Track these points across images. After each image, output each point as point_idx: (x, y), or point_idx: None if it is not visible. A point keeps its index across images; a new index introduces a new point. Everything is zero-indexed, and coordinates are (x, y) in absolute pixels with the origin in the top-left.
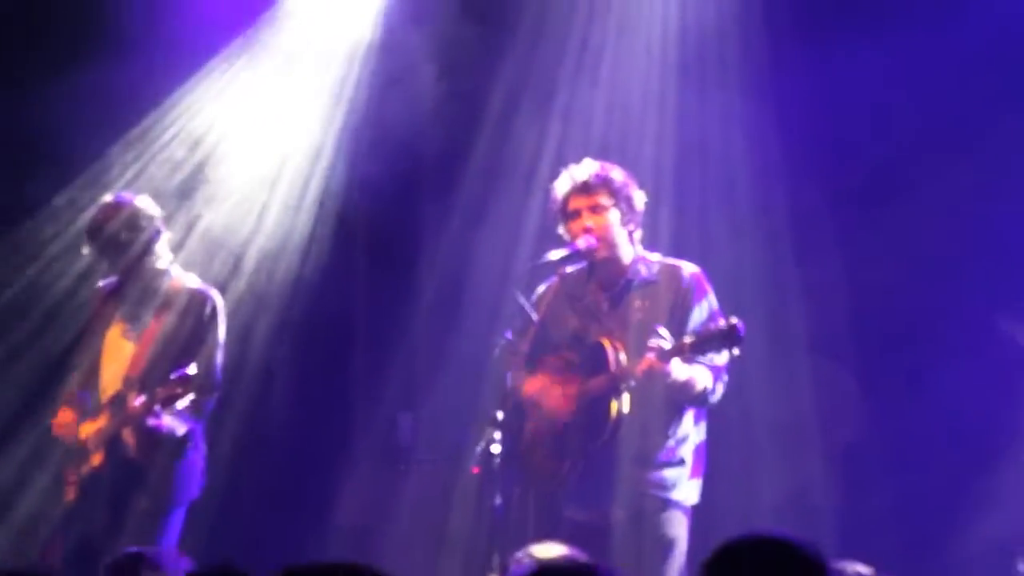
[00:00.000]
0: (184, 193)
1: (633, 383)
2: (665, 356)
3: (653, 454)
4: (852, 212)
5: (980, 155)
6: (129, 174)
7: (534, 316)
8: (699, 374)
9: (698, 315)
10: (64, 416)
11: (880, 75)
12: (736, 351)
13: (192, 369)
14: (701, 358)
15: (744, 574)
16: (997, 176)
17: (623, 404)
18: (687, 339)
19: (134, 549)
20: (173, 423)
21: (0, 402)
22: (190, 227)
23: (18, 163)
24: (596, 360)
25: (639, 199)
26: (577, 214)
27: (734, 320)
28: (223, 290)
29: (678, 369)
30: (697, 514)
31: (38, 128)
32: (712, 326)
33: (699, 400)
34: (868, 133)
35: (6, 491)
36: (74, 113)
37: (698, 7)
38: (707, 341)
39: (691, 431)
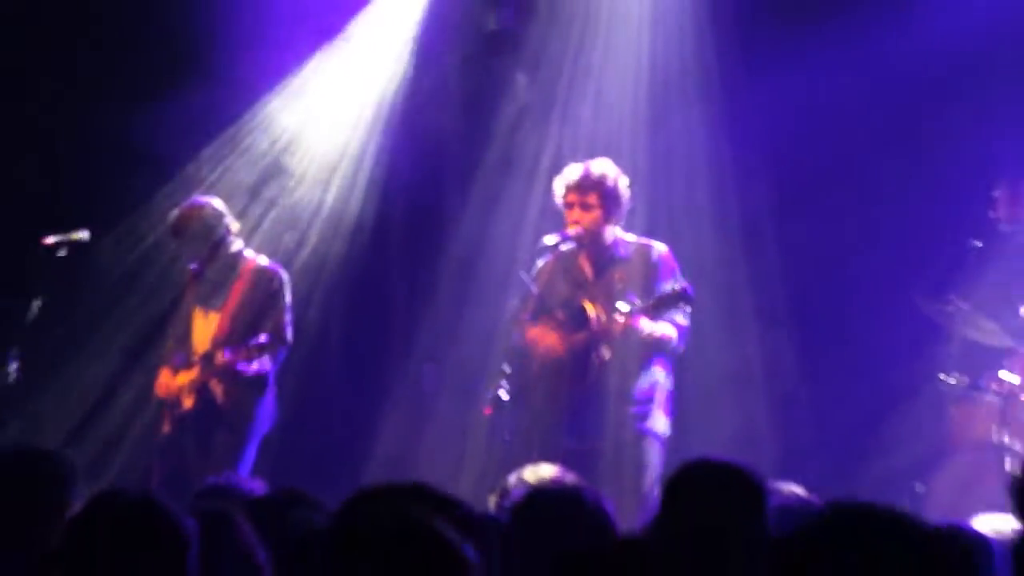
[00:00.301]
0: (261, 185)
1: (611, 338)
2: (635, 315)
3: (633, 394)
4: (789, 205)
5: (892, 159)
6: (217, 172)
7: (534, 288)
8: (666, 329)
9: (665, 288)
10: (164, 377)
11: (808, 98)
12: (689, 308)
13: (264, 337)
14: (665, 317)
15: (699, 489)
16: (909, 173)
17: (603, 354)
18: (650, 301)
19: (223, 476)
20: (255, 366)
21: (111, 358)
22: (266, 211)
23: (125, 165)
24: (580, 319)
25: (625, 196)
26: (571, 206)
27: (685, 283)
28: (290, 261)
29: (647, 325)
30: (667, 445)
31: (142, 136)
32: (669, 290)
33: (666, 350)
34: (800, 141)
35: (118, 427)
36: (172, 124)
37: (666, 43)
38: (665, 302)
39: (662, 378)
